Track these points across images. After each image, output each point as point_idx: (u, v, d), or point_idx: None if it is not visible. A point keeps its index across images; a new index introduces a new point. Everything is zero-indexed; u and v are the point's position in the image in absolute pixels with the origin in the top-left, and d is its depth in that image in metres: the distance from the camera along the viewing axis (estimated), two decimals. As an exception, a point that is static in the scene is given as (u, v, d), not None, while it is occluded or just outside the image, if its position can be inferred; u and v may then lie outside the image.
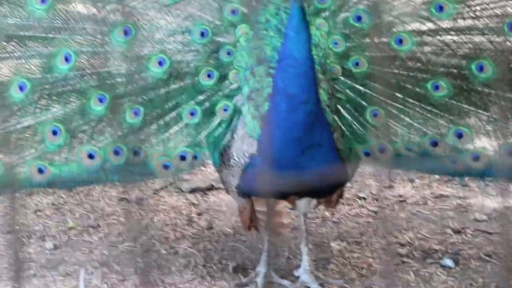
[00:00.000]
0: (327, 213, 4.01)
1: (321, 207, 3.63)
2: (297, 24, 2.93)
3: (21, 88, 3.23)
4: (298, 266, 3.46)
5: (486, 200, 4.14)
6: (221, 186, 3.70)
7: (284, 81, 2.97)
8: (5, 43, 3.30)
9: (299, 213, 3.44)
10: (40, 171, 3.25)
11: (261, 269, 3.40)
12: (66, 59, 3.22)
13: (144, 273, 3.29)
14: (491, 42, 3.19)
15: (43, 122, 3.26)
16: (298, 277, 3.44)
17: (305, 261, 3.40)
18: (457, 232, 3.83)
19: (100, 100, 3.23)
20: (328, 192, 3.28)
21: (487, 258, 3.61)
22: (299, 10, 2.94)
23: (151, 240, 3.94)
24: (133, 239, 3.90)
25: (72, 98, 3.28)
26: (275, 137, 3.04)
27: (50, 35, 3.30)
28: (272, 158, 3.02)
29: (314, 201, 3.38)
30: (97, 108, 3.23)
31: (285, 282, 3.42)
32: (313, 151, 3.04)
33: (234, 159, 3.22)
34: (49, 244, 3.68)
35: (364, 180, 4.24)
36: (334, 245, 3.79)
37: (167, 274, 3.61)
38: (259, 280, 3.38)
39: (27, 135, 3.28)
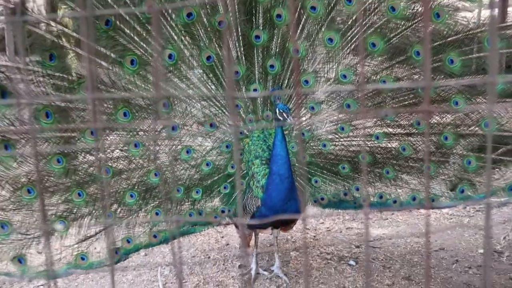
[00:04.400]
0: (288, 237, 4.74)
1: (281, 232, 4.10)
2: (280, 137, 3.45)
3: (131, 196, 3.68)
4: (273, 264, 4.12)
5: (374, 229, 4.86)
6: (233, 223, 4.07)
7: (276, 167, 3.46)
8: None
9: (273, 237, 4.01)
10: (155, 236, 3.79)
11: (253, 266, 4.08)
12: (155, 174, 3.71)
13: (192, 267, 3.91)
14: (366, 143, 3.88)
15: (148, 210, 3.72)
16: (273, 270, 4.08)
17: (277, 262, 4.07)
18: (357, 247, 4.53)
19: (178, 190, 3.73)
20: (292, 223, 3.85)
21: (372, 260, 4.20)
22: (281, 130, 3.46)
23: (195, 251, 4.62)
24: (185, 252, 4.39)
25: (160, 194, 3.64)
26: (273, 196, 3.52)
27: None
28: (271, 207, 3.53)
29: (279, 229, 3.92)
30: (177, 195, 3.73)
31: (266, 273, 4.05)
32: (291, 202, 3.51)
33: (247, 209, 3.68)
34: (142, 253, 4.49)
35: (309, 219, 4.88)
36: (292, 253, 4.45)
37: (204, 268, 4.21)
38: (252, 272, 4.05)
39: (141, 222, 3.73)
